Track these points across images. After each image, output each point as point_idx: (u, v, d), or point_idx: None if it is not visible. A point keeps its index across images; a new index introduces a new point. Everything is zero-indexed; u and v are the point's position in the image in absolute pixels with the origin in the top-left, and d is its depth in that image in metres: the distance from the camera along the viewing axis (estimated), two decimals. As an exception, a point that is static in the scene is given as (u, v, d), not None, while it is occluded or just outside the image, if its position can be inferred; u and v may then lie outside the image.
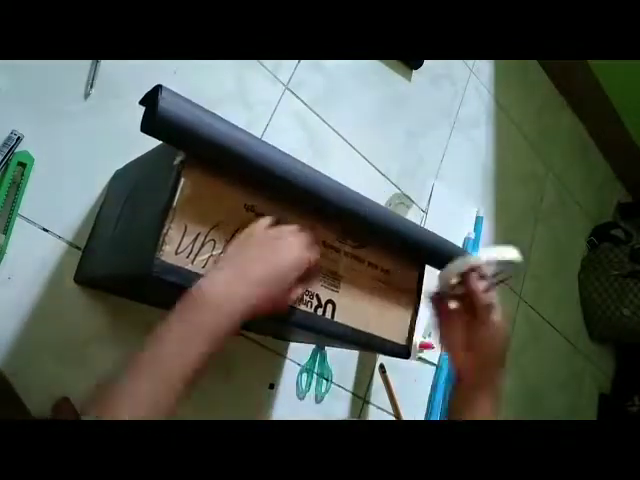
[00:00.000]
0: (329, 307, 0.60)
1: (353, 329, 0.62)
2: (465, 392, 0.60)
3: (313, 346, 0.95)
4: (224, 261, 0.50)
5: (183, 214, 0.50)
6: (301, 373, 0.93)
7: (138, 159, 0.67)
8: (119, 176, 0.72)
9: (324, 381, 0.96)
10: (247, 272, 0.48)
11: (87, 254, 0.70)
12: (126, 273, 0.55)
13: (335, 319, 0.61)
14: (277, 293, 0.50)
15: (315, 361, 0.95)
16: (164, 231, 0.48)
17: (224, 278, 0.48)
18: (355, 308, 0.63)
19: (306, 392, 0.93)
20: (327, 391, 0.96)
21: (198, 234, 0.51)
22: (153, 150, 0.61)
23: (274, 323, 0.64)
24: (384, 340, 0.65)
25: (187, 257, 0.50)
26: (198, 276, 0.49)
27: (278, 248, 0.51)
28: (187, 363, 0.44)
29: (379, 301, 0.65)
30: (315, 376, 0.95)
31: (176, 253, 0.49)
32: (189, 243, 0.50)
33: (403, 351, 0.68)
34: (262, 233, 0.51)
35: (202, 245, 0.51)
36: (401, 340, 0.67)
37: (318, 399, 0.95)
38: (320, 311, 0.59)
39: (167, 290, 0.51)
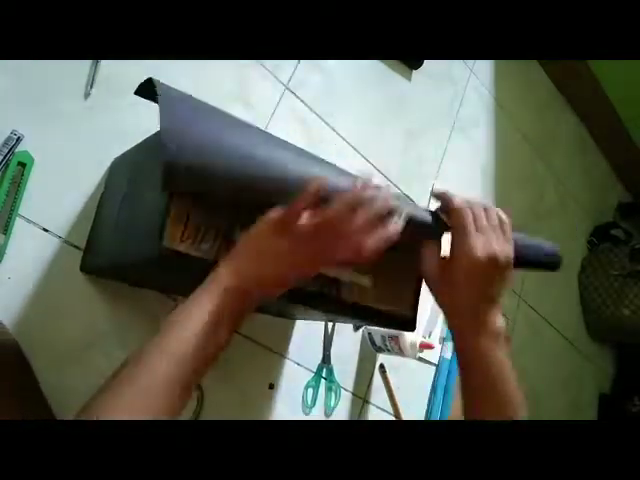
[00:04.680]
0: (334, 284, 0.61)
1: (359, 305, 0.62)
2: (464, 345, 0.55)
3: (317, 351, 0.95)
4: (249, 244, 0.49)
5: (186, 202, 0.50)
6: (306, 388, 0.93)
7: (137, 145, 0.67)
8: (118, 164, 0.72)
9: (332, 395, 0.96)
10: (276, 263, 0.49)
11: (91, 243, 0.70)
12: (131, 260, 0.56)
13: (342, 296, 0.61)
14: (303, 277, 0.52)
15: (321, 376, 0.95)
16: (168, 218, 0.49)
17: (251, 266, 0.48)
18: (360, 283, 0.63)
19: (312, 407, 0.93)
20: (336, 405, 0.96)
21: (201, 221, 0.51)
22: (151, 137, 0.61)
23: (281, 303, 0.64)
24: (389, 314, 0.66)
25: (192, 244, 0.51)
26: (203, 261, 0.51)
27: (315, 251, 0.49)
28: (209, 346, 0.45)
29: (383, 275, 0.65)
30: (322, 391, 0.95)
31: (181, 240, 0.50)
32: (193, 230, 0.51)
33: (409, 323, 0.68)
34: (305, 230, 0.48)
35: (205, 232, 0.52)
36: (407, 312, 0.68)
37: (327, 413, 0.95)
38: (326, 289, 0.60)
39: (172, 276, 0.52)
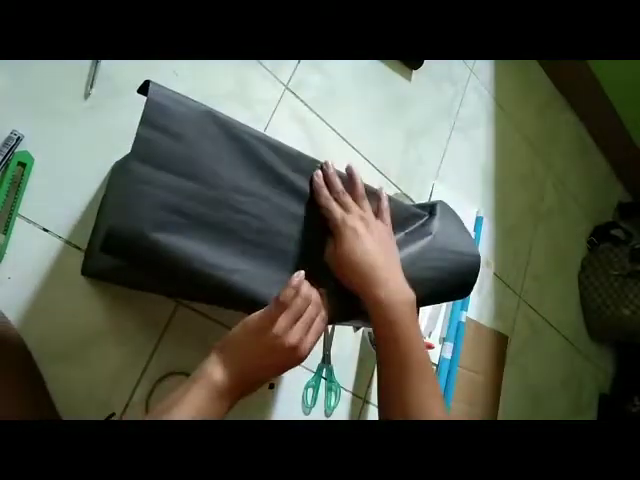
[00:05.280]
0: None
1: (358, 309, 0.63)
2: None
3: (317, 351, 0.95)
4: (234, 351, 0.55)
5: None
6: (306, 388, 0.93)
7: None
8: (119, 166, 0.72)
9: (332, 395, 0.96)
10: (256, 370, 0.55)
11: (92, 245, 0.70)
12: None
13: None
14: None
15: (321, 376, 0.95)
16: None
17: (237, 372, 0.53)
18: None
19: (312, 407, 0.93)
20: (336, 405, 0.96)
21: None
22: None
23: None
24: None
25: None
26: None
27: (285, 359, 0.56)
28: None
29: None
30: (321, 391, 0.95)
31: None
32: None
33: None
34: (273, 339, 0.54)
35: None
36: None
37: (327, 413, 0.95)
38: None
39: (159, 275, 0.54)
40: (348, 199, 0.63)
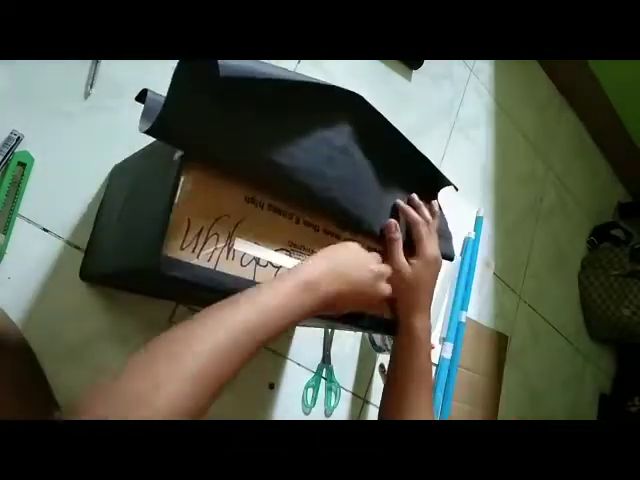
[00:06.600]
0: None
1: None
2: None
3: (317, 351, 0.95)
4: (325, 255, 0.55)
5: (185, 209, 0.50)
6: (306, 388, 0.93)
7: (137, 153, 0.67)
8: (118, 170, 0.72)
9: (332, 395, 0.96)
10: (344, 273, 0.54)
11: (90, 251, 0.70)
12: (132, 270, 0.55)
13: None
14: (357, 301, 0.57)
15: (321, 376, 0.95)
16: (168, 227, 0.49)
17: (324, 269, 0.53)
18: None
19: (312, 407, 0.93)
20: (336, 405, 0.96)
21: (201, 228, 0.51)
22: (152, 144, 0.61)
23: None
24: (375, 318, 0.68)
25: (192, 252, 0.50)
26: (204, 270, 0.50)
27: (372, 284, 0.58)
28: (271, 331, 0.46)
29: None
30: (321, 391, 0.95)
31: (181, 248, 0.49)
32: (193, 238, 0.50)
33: (390, 327, 0.71)
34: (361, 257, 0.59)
35: (206, 239, 0.51)
36: (390, 315, 0.71)
37: (327, 413, 0.96)
38: None
39: (173, 284, 0.52)
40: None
